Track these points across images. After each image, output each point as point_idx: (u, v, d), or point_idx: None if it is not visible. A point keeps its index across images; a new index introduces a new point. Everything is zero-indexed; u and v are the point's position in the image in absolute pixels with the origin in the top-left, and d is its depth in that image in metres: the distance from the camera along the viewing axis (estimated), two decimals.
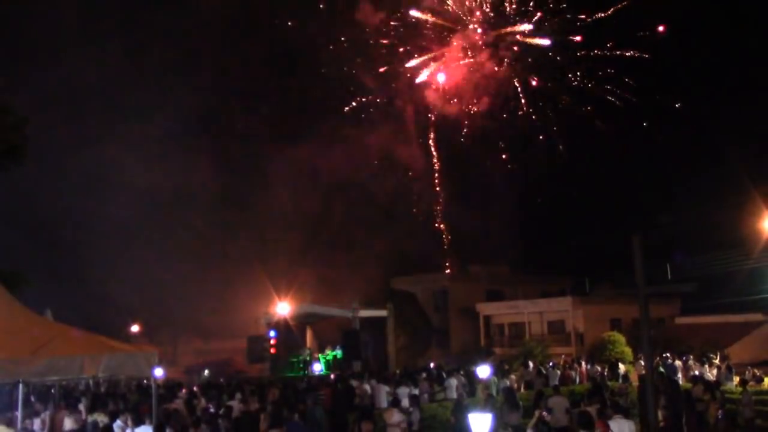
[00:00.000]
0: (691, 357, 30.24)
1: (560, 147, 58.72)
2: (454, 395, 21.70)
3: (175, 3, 63.06)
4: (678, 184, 54.02)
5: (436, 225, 60.39)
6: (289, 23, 59.68)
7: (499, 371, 26.15)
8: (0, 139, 19.09)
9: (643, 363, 21.26)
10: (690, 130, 53.45)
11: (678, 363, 28.45)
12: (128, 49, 55.77)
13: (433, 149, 61.56)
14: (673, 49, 54.31)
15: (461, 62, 59.39)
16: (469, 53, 59.08)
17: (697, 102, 54.03)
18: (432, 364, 32.27)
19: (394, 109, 59.67)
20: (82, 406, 18.05)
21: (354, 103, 59.80)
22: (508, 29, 58.22)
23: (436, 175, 61.28)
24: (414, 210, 59.39)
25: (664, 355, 29.71)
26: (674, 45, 54.30)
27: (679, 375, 26.47)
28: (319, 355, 40.88)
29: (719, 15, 53.61)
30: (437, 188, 61.15)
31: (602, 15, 56.10)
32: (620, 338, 39.01)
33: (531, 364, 30.65)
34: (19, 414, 12.24)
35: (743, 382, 20.77)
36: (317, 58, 58.44)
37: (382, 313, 40.13)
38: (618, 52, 56.43)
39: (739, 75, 50.85)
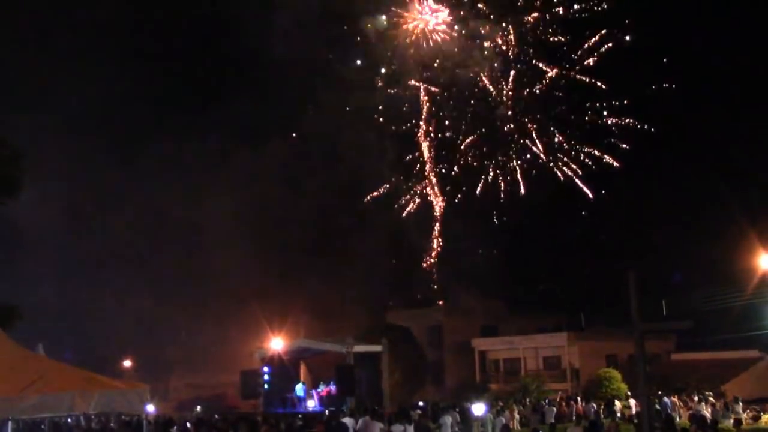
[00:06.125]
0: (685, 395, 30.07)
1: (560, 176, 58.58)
2: None
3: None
4: (674, 221, 54.10)
5: (432, 259, 60.03)
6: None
7: (493, 408, 25.91)
8: None
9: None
10: (686, 167, 53.69)
11: (674, 399, 28.26)
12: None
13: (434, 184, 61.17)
14: (672, 85, 54.80)
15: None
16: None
17: (693, 138, 54.31)
18: (420, 403, 31.86)
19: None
20: None
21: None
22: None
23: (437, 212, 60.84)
24: (409, 243, 59.05)
25: (659, 392, 29.50)
26: (673, 80, 54.81)
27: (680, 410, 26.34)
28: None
29: (722, 48, 54.16)
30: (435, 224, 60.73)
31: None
32: (616, 375, 38.72)
33: (527, 401, 30.42)
34: None
35: (737, 423, 20.59)
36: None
37: (377, 348, 39.78)
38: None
39: (736, 113, 51.23)
